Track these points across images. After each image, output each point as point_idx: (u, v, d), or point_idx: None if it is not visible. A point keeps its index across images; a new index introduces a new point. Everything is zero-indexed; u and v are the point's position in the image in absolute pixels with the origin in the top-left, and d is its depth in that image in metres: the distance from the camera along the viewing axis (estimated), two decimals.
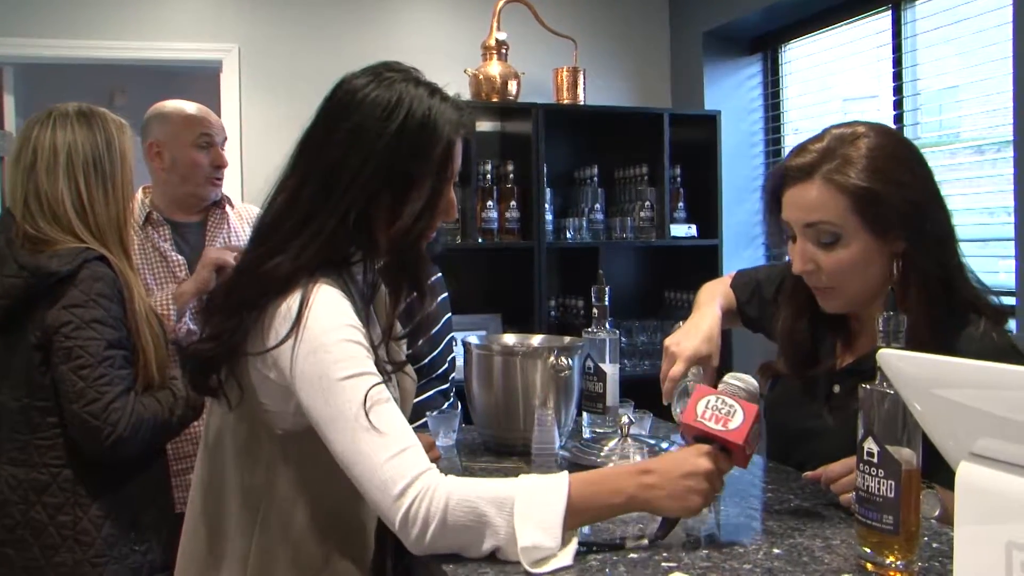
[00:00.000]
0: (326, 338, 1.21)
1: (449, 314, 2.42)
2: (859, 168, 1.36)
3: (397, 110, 1.28)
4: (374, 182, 1.28)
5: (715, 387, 1.31)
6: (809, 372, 1.56)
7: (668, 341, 1.58)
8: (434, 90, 1.34)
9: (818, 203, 1.38)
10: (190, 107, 2.47)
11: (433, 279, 2.30)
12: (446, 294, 2.41)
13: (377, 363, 1.25)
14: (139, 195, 2.46)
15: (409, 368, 1.51)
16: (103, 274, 1.77)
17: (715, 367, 1.56)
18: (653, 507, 1.22)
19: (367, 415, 1.17)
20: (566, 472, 1.20)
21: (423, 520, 1.13)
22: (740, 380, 1.30)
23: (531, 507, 1.14)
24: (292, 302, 1.23)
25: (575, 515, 1.16)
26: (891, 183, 1.36)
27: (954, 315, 1.40)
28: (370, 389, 1.19)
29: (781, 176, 1.45)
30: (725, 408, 1.24)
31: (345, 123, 1.30)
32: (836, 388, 1.53)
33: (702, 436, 1.24)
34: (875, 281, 1.41)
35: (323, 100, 1.36)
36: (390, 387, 1.28)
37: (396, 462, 1.15)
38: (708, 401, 1.25)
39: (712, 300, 1.71)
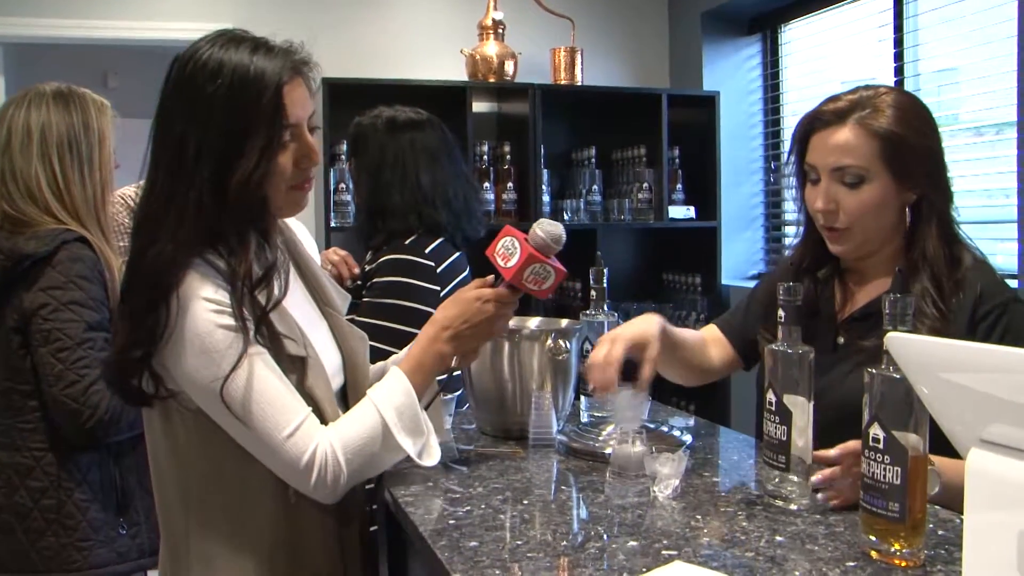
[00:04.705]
0: (199, 333, 1.25)
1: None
2: (888, 116, 1.49)
3: (222, 70, 1.30)
4: (216, 145, 1.29)
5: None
6: (808, 323, 1.55)
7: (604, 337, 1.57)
8: (258, 45, 1.34)
9: (849, 146, 1.49)
10: None
11: (454, 258, 2.25)
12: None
13: (264, 329, 1.31)
14: None
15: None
16: (83, 255, 1.76)
17: (653, 356, 1.53)
18: (466, 353, 1.48)
19: (251, 400, 1.25)
20: (400, 374, 1.39)
21: (332, 481, 1.29)
22: (543, 229, 1.47)
23: (400, 421, 1.35)
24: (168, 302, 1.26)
25: (421, 396, 1.40)
26: (916, 132, 1.50)
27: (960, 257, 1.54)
28: (248, 368, 1.25)
29: (812, 121, 1.55)
30: (512, 249, 1.48)
31: (179, 98, 1.32)
32: (841, 339, 1.58)
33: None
34: (886, 225, 1.53)
35: (163, 83, 1.37)
36: (290, 348, 1.33)
37: (293, 440, 1.27)
38: (504, 242, 1.51)
39: None
